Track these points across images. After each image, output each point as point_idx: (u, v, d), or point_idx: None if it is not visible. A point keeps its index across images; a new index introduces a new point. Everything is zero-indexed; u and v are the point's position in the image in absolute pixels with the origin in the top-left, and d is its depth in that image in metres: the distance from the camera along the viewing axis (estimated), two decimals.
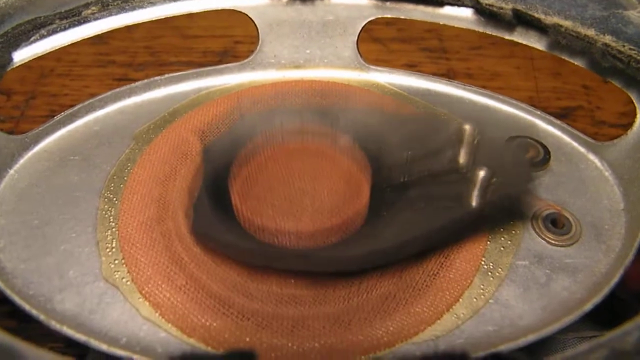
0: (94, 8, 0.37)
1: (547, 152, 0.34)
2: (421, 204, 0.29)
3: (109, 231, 0.30)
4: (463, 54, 0.64)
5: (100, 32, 0.37)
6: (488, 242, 0.29)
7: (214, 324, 0.26)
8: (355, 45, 0.39)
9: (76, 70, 0.61)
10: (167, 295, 0.27)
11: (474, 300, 0.27)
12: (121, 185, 0.32)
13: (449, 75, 0.61)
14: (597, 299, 0.27)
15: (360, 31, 0.39)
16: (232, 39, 0.64)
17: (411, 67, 0.61)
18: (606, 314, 0.31)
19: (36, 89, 0.59)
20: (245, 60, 0.39)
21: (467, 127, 0.30)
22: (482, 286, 0.28)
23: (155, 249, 0.29)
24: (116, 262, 0.29)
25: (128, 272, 0.28)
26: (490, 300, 0.27)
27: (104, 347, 0.25)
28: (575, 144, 0.35)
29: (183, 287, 0.28)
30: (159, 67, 0.61)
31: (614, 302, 0.31)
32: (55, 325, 0.26)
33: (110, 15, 0.37)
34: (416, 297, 0.27)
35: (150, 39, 0.64)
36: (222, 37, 0.64)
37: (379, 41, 0.64)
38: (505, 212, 0.30)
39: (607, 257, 0.29)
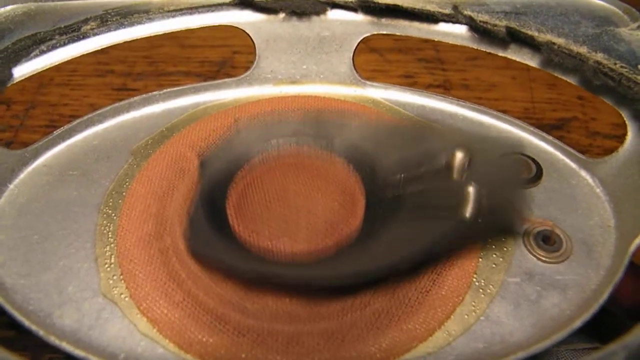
0: (93, 24, 0.37)
1: (540, 169, 0.35)
2: (414, 221, 0.30)
3: (108, 247, 0.31)
4: (459, 64, 0.65)
5: (99, 48, 0.37)
6: (480, 259, 0.30)
7: (211, 340, 0.27)
8: (352, 61, 0.40)
9: (75, 80, 0.61)
10: (165, 312, 0.28)
11: (466, 317, 0.28)
12: (120, 201, 0.33)
13: (445, 86, 0.61)
14: (586, 315, 0.27)
15: (356, 47, 0.39)
16: (230, 49, 0.64)
17: (408, 77, 0.62)
18: (599, 327, 0.31)
19: (36, 98, 0.59)
20: (243, 76, 0.40)
21: (461, 143, 0.31)
22: (473, 303, 0.28)
23: (153, 265, 0.30)
24: (115, 277, 0.29)
25: (126, 288, 0.29)
26: (482, 317, 0.28)
27: None
28: (567, 161, 0.36)
29: (180, 303, 0.28)
30: (157, 77, 0.62)
31: (607, 316, 0.31)
32: (54, 340, 0.26)
33: (109, 31, 0.37)
34: (409, 314, 0.27)
35: (149, 49, 0.65)
36: (220, 47, 0.65)
37: (376, 51, 0.65)
38: (497, 229, 0.31)
39: (597, 274, 0.30)
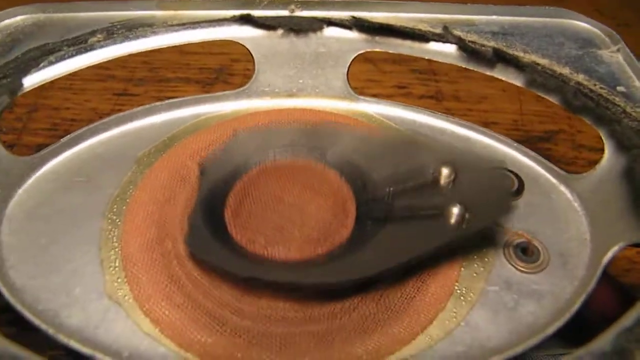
0: (99, 36, 0.39)
1: (522, 183, 0.36)
2: (401, 232, 0.32)
3: (112, 251, 0.32)
4: (452, 76, 0.67)
5: (105, 60, 0.39)
6: (462, 269, 0.32)
7: (209, 340, 0.28)
8: (346, 77, 0.41)
9: (77, 84, 0.63)
10: (167, 313, 0.29)
11: (447, 322, 0.30)
12: (124, 207, 0.34)
13: (437, 97, 0.63)
14: (559, 323, 0.29)
15: (351, 63, 0.41)
16: (228, 57, 0.66)
17: (401, 88, 0.64)
18: (576, 334, 0.33)
19: (38, 101, 0.61)
20: (242, 88, 0.42)
21: (447, 158, 0.33)
22: (454, 310, 0.30)
23: (155, 268, 0.31)
24: (119, 280, 0.31)
25: (130, 290, 0.30)
26: (462, 323, 0.30)
27: None
28: (548, 176, 0.38)
29: (181, 305, 0.30)
30: (157, 82, 0.64)
31: (583, 323, 0.33)
32: (62, 339, 0.28)
33: (115, 43, 0.39)
34: (393, 319, 0.29)
35: (149, 55, 0.66)
36: (219, 55, 0.67)
37: (371, 62, 0.67)
38: (480, 239, 0.33)
39: (571, 284, 0.32)
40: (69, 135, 0.38)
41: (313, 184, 0.35)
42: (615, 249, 0.32)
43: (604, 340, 0.24)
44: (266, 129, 0.38)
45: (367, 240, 0.32)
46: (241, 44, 0.41)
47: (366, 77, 0.64)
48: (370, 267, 0.30)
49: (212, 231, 0.32)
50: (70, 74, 0.62)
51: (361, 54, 0.41)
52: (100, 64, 0.64)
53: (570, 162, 0.57)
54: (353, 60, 0.41)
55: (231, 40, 0.40)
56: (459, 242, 0.32)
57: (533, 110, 0.63)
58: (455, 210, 0.30)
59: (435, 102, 0.62)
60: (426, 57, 0.40)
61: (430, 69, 0.67)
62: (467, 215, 0.30)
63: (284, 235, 0.32)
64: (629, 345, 0.24)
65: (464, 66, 0.40)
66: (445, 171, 0.32)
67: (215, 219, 0.33)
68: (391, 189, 0.33)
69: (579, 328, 0.32)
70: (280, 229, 0.32)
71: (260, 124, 0.39)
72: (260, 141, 0.36)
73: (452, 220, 0.31)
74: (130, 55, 0.66)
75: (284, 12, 0.41)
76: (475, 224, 0.31)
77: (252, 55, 0.41)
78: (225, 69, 0.65)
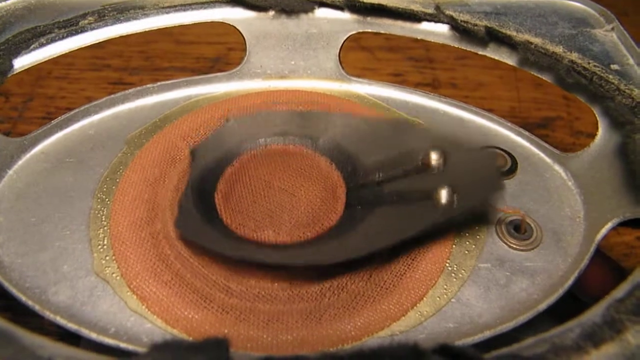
0: (90, 18, 0.39)
1: (515, 162, 0.36)
2: (391, 214, 0.31)
3: (101, 229, 0.32)
4: (448, 63, 0.66)
5: (96, 42, 0.39)
6: (453, 246, 0.32)
7: (196, 317, 0.28)
8: (337, 58, 0.41)
9: (73, 74, 0.63)
10: (154, 290, 0.29)
11: (437, 299, 0.29)
12: (113, 187, 0.34)
13: (433, 84, 0.63)
14: (551, 299, 0.29)
15: (342, 44, 0.41)
16: (224, 46, 0.66)
17: (397, 76, 0.63)
18: (571, 316, 0.33)
19: (34, 91, 0.61)
20: (233, 70, 0.41)
21: (437, 142, 0.32)
22: (445, 286, 0.30)
23: (144, 247, 0.31)
24: (107, 258, 0.31)
25: (118, 267, 0.30)
26: (453, 300, 0.29)
27: (93, 336, 0.27)
28: (542, 155, 0.38)
29: (168, 282, 0.30)
30: (152, 71, 0.63)
31: (577, 305, 0.33)
32: (49, 315, 0.27)
33: (106, 25, 0.39)
34: (384, 296, 0.29)
35: (144, 44, 0.67)
36: (215, 44, 0.66)
37: (367, 50, 0.67)
38: (471, 217, 0.32)
39: (564, 261, 0.31)
40: (60, 117, 0.38)
41: (303, 169, 0.34)
42: (608, 226, 0.32)
43: (595, 312, 0.24)
44: (258, 112, 0.38)
45: (357, 224, 0.31)
46: (232, 26, 0.40)
47: (362, 65, 0.64)
48: (359, 248, 0.30)
49: (203, 215, 0.32)
50: (66, 64, 0.63)
51: (357, 36, 0.40)
52: (95, 54, 0.65)
53: (568, 148, 0.57)
54: (345, 41, 0.41)
55: (227, 28, 0.40)
56: (448, 223, 0.31)
57: (530, 97, 0.62)
58: (444, 192, 0.30)
59: (431, 89, 0.62)
60: (418, 37, 0.39)
61: (427, 56, 0.66)
62: (456, 197, 0.30)
63: (273, 220, 0.32)
64: (620, 317, 0.24)
65: (456, 46, 0.39)
66: (434, 154, 0.32)
67: (205, 203, 0.33)
68: (381, 173, 0.33)
69: (572, 310, 0.32)
70: (270, 214, 0.32)
71: (252, 105, 0.39)
72: (252, 126, 0.36)
73: (442, 202, 0.30)
74: (126, 45, 0.67)
75: None
76: (465, 205, 0.30)
77: (243, 37, 0.41)
78: (222, 59, 0.65)
